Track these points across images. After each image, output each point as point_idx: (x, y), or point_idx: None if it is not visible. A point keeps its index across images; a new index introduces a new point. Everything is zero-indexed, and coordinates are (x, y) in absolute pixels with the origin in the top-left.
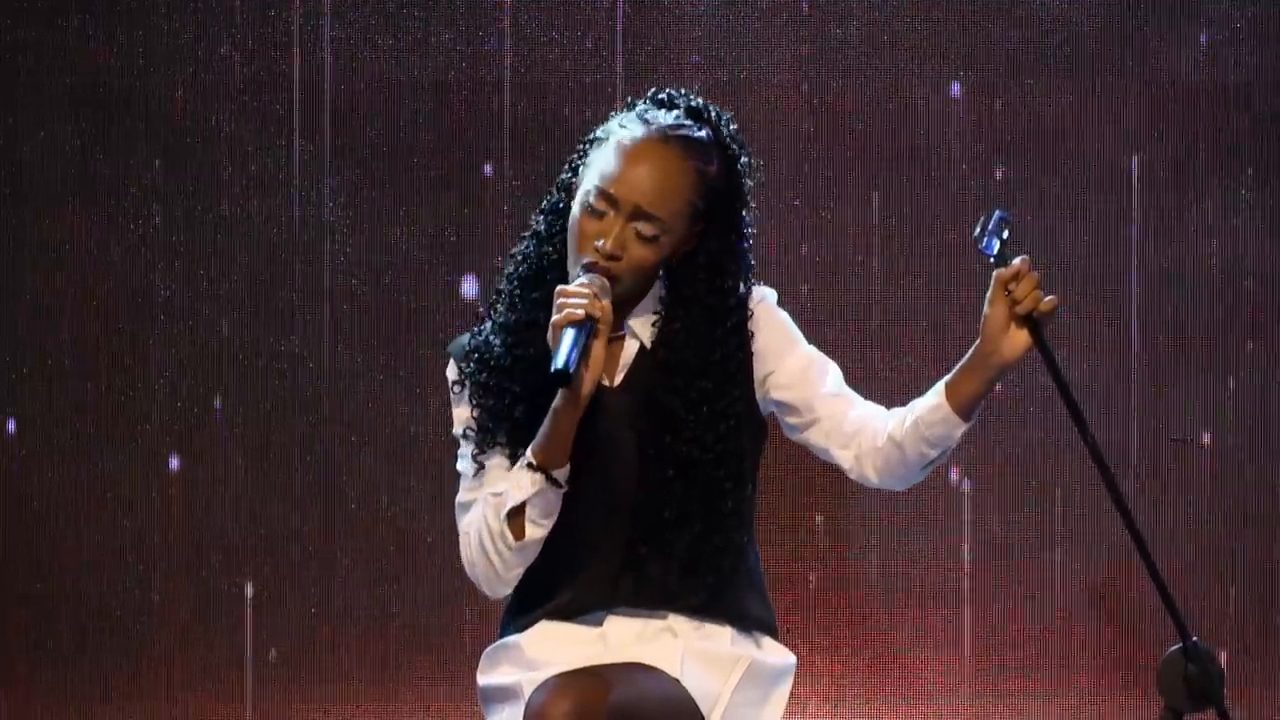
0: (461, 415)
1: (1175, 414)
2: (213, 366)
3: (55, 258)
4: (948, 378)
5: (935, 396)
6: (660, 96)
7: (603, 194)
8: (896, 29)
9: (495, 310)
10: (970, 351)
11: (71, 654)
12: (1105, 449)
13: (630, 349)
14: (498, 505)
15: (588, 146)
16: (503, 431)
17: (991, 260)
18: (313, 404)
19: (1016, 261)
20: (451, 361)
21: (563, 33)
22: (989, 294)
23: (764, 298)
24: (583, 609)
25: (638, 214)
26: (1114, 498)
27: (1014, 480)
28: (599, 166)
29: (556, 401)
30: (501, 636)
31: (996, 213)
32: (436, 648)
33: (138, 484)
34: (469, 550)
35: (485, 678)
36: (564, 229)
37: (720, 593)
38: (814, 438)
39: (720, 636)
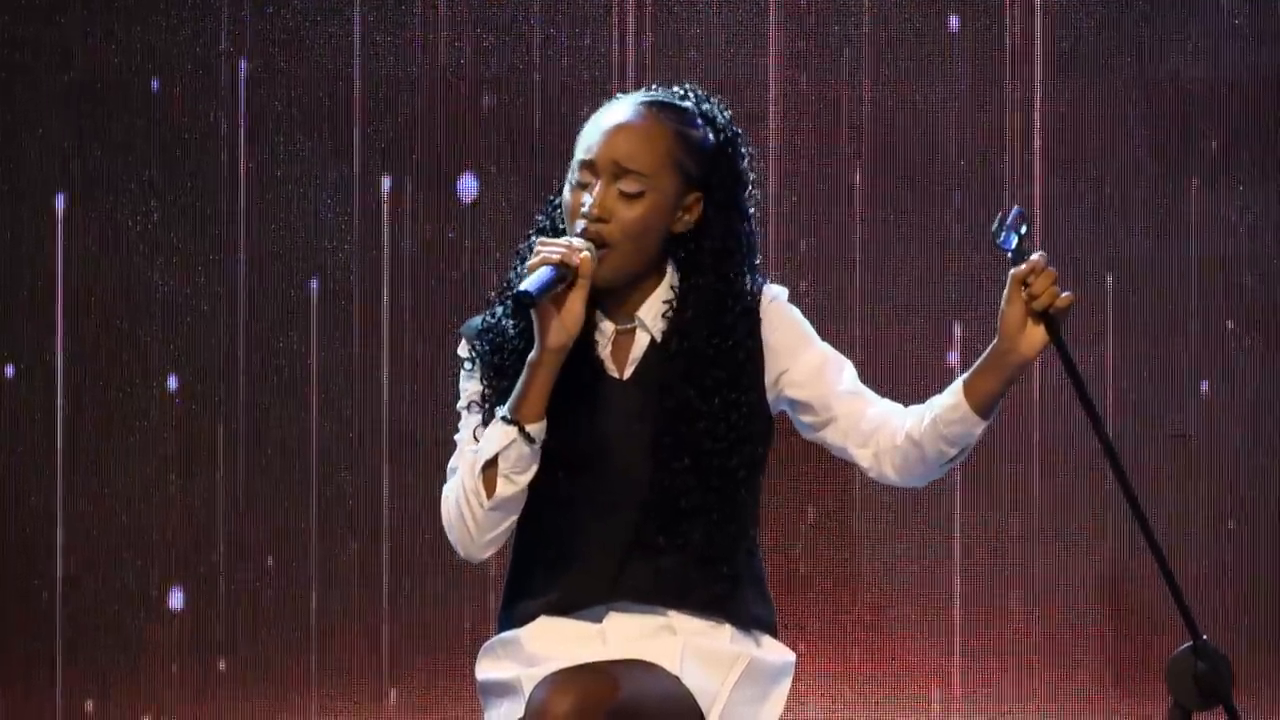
0: (470, 389)
1: (1173, 409)
2: (210, 362)
3: (52, 254)
4: (965, 376)
5: (953, 395)
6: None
7: (583, 165)
8: (897, 24)
9: (507, 295)
10: (988, 350)
11: (68, 649)
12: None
13: (641, 341)
14: (473, 462)
15: (578, 138)
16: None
17: (1009, 255)
18: (311, 400)
19: (1034, 257)
20: (464, 340)
21: (561, 29)
22: (1006, 292)
23: (776, 296)
24: (583, 604)
25: (618, 171)
26: (1127, 494)
27: (1014, 474)
28: (580, 144)
29: (532, 355)
30: (499, 631)
31: (1014, 209)
32: (435, 643)
33: (136, 480)
34: (447, 511)
35: (484, 672)
36: (564, 222)
37: (731, 587)
38: (831, 436)
39: (720, 634)
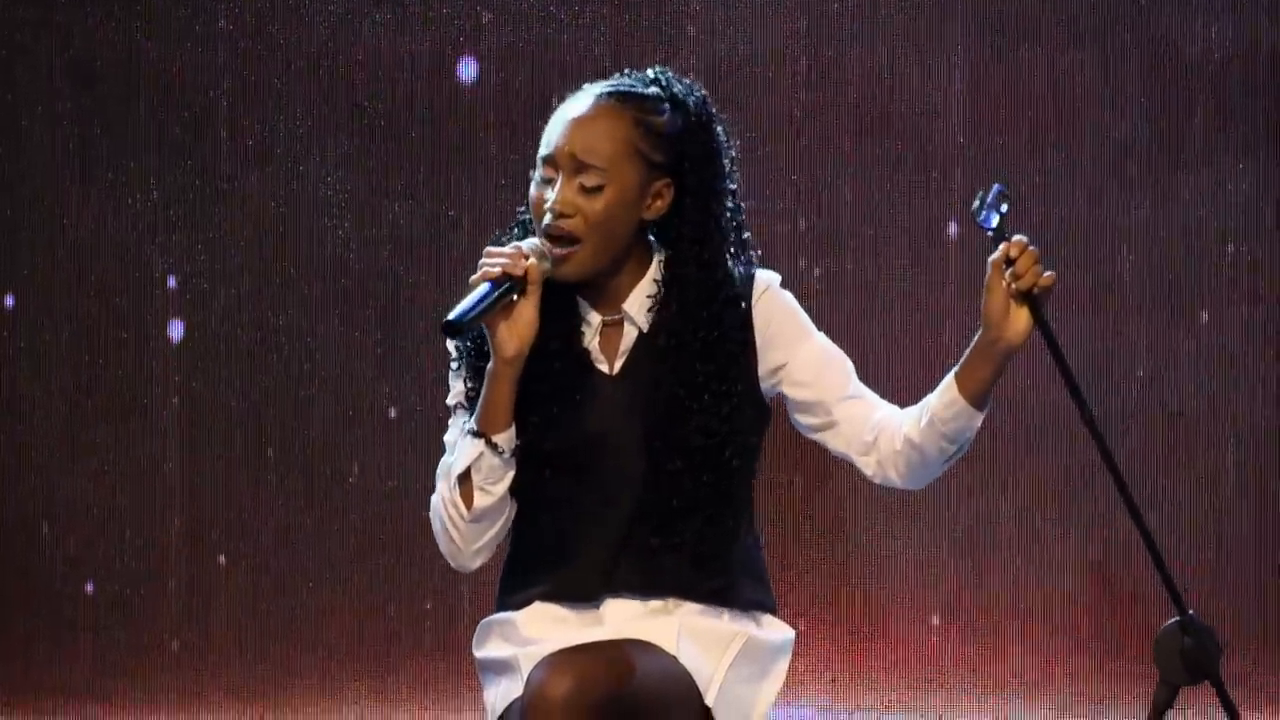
0: (457, 388)
1: (1172, 385)
2: (210, 341)
3: (53, 234)
4: (956, 369)
5: (947, 391)
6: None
7: (544, 160)
8: (893, 1)
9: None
10: (974, 340)
11: (68, 630)
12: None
13: (630, 335)
14: (450, 476)
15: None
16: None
17: (990, 234)
18: (308, 379)
19: (1016, 238)
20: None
21: (560, 7)
22: (987, 280)
23: (770, 283)
24: (578, 597)
25: (577, 166)
26: (1113, 474)
27: (1007, 456)
28: (542, 140)
29: (489, 366)
30: (497, 611)
31: (995, 186)
32: (433, 624)
33: (137, 460)
34: (435, 524)
35: (481, 651)
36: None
37: (729, 579)
38: (833, 442)
39: (718, 614)
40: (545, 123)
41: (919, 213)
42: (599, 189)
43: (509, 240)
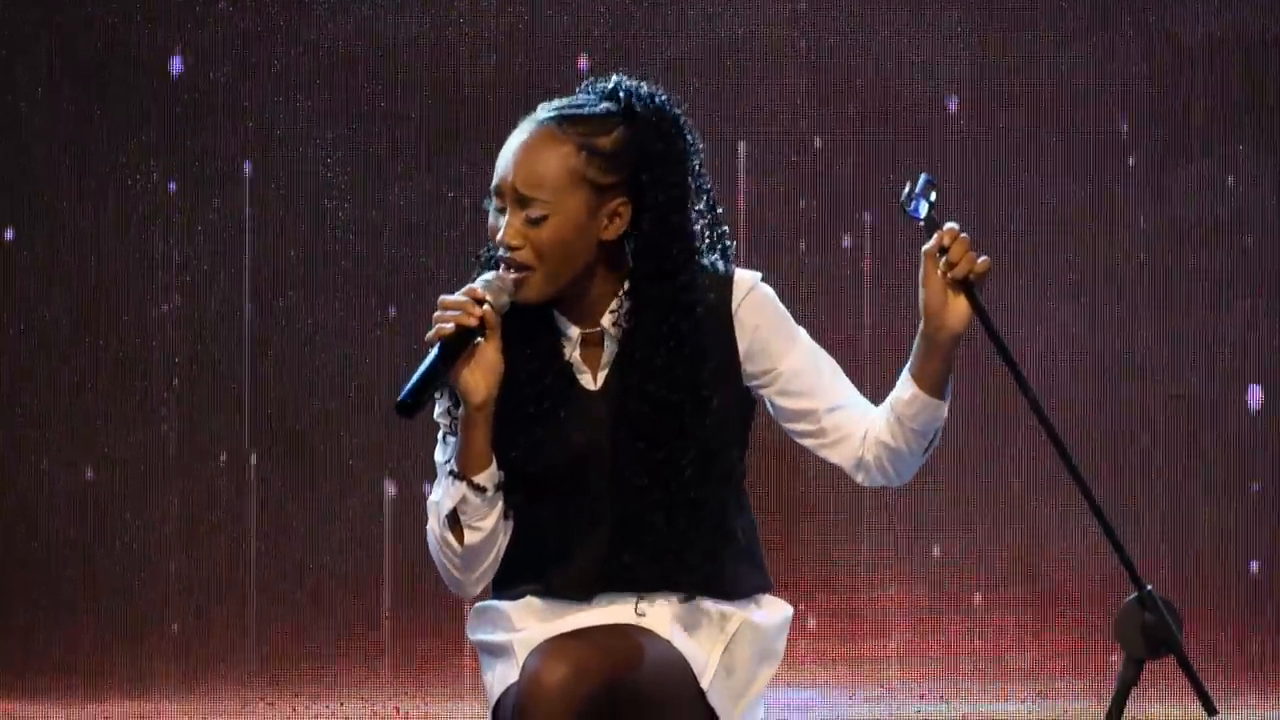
0: (441, 409)
1: (1172, 371)
2: (210, 323)
3: (54, 216)
4: (909, 367)
5: (907, 389)
6: (585, 85)
7: (493, 191)
8: None
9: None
10: (918, 335)
11: (68, 612)
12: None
13: (610, 348)
14: (438, 514)
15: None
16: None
17: (920, 224)
18: (309, 361)
19: (948, 226)
20: None
21: None
22: (921, 273)
23: (752, 284)
24: (570, 599)
25: (521, 199)
26: (1062, 455)
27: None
28: (496, 168)
29: (461, 413)
30: (491, 598)
31: (923, 176)
32: (433, 605)
33: (136, 442)
34: (433, 557)
35: (475, 634)
36: None
37: (725, 574)
38: (819, 449)
39: (715, 602)
40: (544, 103)
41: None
42: (543, 219)
43: (479, 273)
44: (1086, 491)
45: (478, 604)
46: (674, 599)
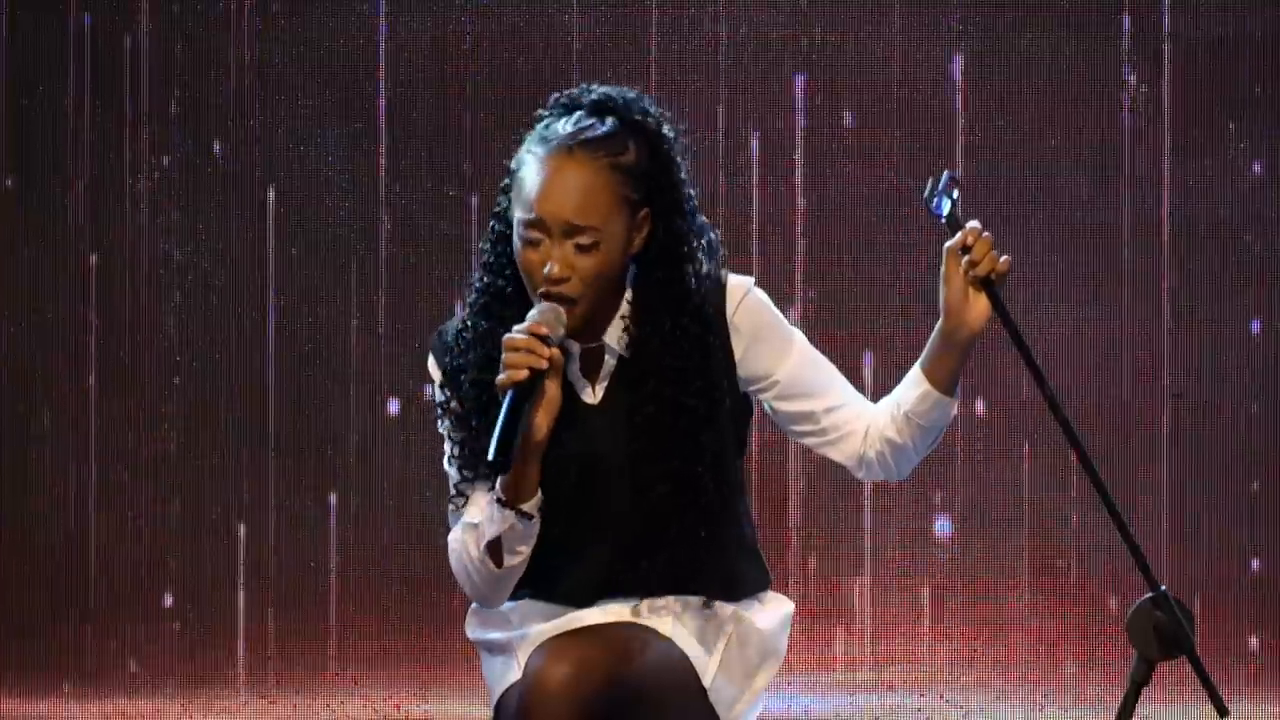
0: (446, 428)
1: (1174, 366)
2: (212, 319)
3: (55, 209)
4: (922, 362)
5: (918, 385)
6: (563, 101)
7: (530, 223)
8: None
9: (460, 339)
10: (935, 330)
11: (72, 608)
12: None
13: (610, 361)
14: (476, 538)
15: (509, 178)
16: (475, 469)
17: (943, 220)
18: (311, 359)
19: (971, 224)
20: (432, 356)
21: None
22: (943, 269)
23: (745, 289)
24: (571, 605)
25: (570, 230)
26: (1079, 453)
27: (1001, 436)
28: (520, 198)
29: (518, 443)
30: None
31: (945, 173)
32: (436, 599)
33: (138, 439)
34: (456, 568)
35: (475, 632)
36: (509, 257)
37: (726, 578)
38: (820, 447)
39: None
40: (544, 107)
41: (919, 198)
42: (595, 246)
43: (479, 284)
44: (1101, 488)
45: (476, 603)
46: (674, 599)
